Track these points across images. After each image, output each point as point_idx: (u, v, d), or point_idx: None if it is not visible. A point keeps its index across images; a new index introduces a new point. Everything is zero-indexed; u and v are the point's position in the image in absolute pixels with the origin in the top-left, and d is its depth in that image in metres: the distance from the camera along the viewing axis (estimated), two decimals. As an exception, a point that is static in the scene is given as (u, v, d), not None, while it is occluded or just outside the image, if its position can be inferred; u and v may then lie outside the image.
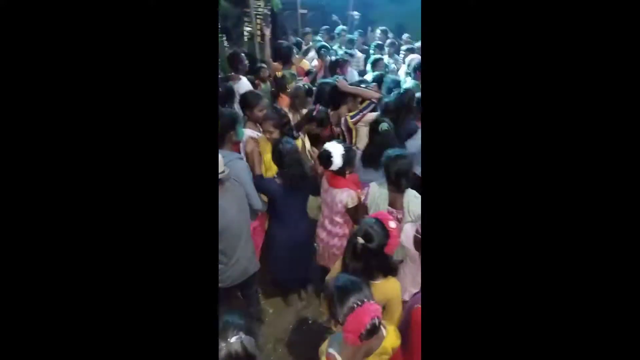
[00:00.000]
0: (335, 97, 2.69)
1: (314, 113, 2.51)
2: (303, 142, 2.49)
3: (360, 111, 2.57)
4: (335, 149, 1.96)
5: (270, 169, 2.28)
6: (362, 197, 1.99)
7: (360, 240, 1.39)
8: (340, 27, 4.65)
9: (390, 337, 1.23)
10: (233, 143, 2.13)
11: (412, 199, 1.84)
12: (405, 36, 5.23)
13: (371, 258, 1.40)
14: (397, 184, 1.83)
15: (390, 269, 1.48)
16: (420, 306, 1.34)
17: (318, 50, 3.87)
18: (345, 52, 3.94)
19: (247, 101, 2.38)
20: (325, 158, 1.97)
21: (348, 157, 1.98)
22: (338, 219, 2.07)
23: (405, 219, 1.84)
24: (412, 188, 1.88)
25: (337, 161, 1.95)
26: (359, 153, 2.37)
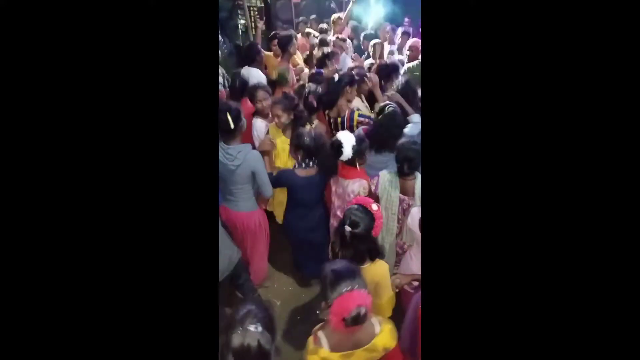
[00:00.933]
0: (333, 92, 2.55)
1: (311, 99, 2.46)
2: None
3: (370, 117, 2.47)
4: (347, 139, 1.95)
5: (279, 156, 2.34)
6: (373, 187, 2.01)
7: (348, 228, 1.43)
8: (336, 14, 4.61)
9: (384, 336, 1.20)
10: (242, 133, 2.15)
11: None
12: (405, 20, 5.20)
13: (360, 243, 1.45)
14: (407, 170, 1.84)
15: (377, 252, 1.52)
16: None
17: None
18: (338, 38, 3.92)
19: (251, 94, 2.45)
20: (336, 148, 1.96)
21: (359, 149, 1.97)
22: None
23: (415, 204, 1.87)
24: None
25: (347, 151, 1.94)
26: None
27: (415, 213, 1.74)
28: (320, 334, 1.19)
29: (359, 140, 1.99)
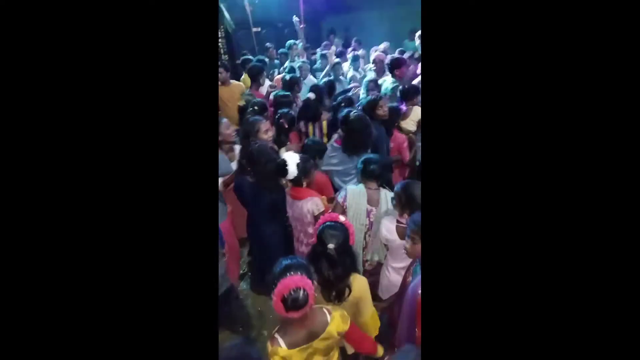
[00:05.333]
0: (316, 112, 2.85)
1: (282, 120, 2.54)
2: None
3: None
4: (291, 158, 1.97)
5: None
6: (341, 200, 2.01)
7: (332, 246, 1.41)
8: (291, 41, 4.72)
9: (336, 321, 1.25)
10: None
11: (386, 196, 1.93)
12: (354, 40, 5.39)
13: (346, 257, 1.44)
14: (373, 183, 1.96)
15: (354, 263, 1.53)
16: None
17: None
18: (303, 62, 4.00)
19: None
20: (281, 167, 1.96)
21: (304, 167, 1.97)
22: (310, 230, 2.03)
23: (379, 214, 1.91)
24: (383, 186, 2.00)
25: (292, 170, 1.95)
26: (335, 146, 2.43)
27: (388, 223, 1.78)
28: (277, 335, 1.22)
29: (304, 159, 2.01)
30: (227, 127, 2.38)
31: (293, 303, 1.11)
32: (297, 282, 1.11)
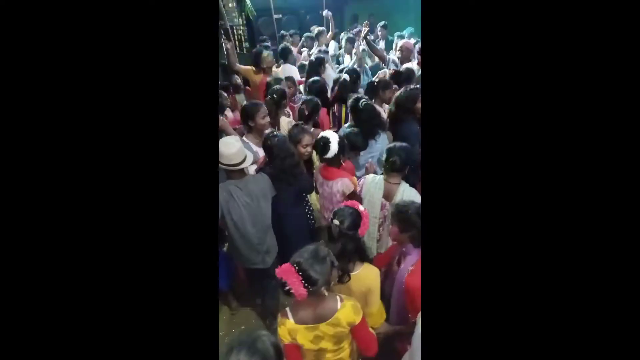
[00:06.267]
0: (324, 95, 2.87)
1: (303, 107, 2.53)
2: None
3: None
4: (332, 135, 1.99)
5: None
6: (358, 186, 1.99)
7: (336, 221, 1.45)
8: (318, 28, 4.65)
9: (346, 311, 1.25)
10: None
11: (407, 191, 1.83)
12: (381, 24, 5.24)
13: (348, 241, 1.44)
14: (394, 176, 1.86)
15: (364, 253, 1.53)
16: (412, 269, 1.38)
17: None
18: (320, 51, 3.93)
19: (248, 112, 2.32)
20: (323, 145, 1.98)
21: (342, 144, 2.02)
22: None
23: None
24: (407, 181, 1.88)
25: (334, 147, 1.96)
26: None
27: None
28: (287, 308, 1.29)
29: (340, 136, 2.05)
30: (263, 117, 2.32)
31: (282, 288, 1.16)
32: (289, 277, 1.14)
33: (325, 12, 4.48)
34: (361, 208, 1.52)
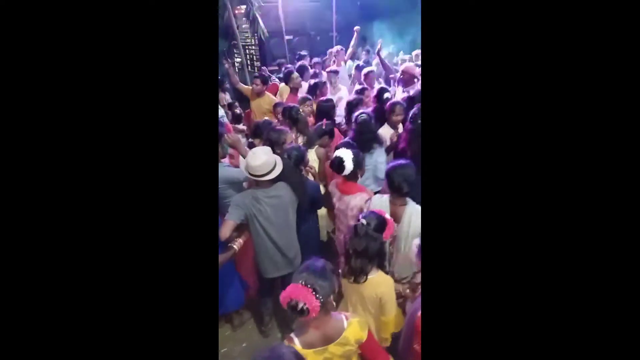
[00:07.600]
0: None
1: (324, 127, 2.59)
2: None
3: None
4: (346, 154, 2.03)
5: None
6: (365, 208, 1.99)
7: (363, 221, 1.50)
8: (336, 48, 4.76)
9: (353, 329, 1.24)
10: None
11: (415, 212, 1.82)
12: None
13: (371, 241, 1.48)
14: (398, 194, 1.84)
15: (384, 258, 1.56)
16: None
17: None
18: (330, 72, 4.01)
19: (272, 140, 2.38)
20: (338, 164, 2.03)
21: (357, 160, 2.06)
22: (352, 222, 2.03)
23: (402, 231, 1.83)
24: (414, 200, 1.87)
25: (349, 165, 2.01)
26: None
27: (415, 244, 1.71)
28: (293, 335, 1.25)
29: (356, 153, 2.09)
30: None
31: (292, 310, 1.14)
32: (295, 294, 1.13)
33: (356, 28, 4.59)
34: (387, 216, 1.58)
